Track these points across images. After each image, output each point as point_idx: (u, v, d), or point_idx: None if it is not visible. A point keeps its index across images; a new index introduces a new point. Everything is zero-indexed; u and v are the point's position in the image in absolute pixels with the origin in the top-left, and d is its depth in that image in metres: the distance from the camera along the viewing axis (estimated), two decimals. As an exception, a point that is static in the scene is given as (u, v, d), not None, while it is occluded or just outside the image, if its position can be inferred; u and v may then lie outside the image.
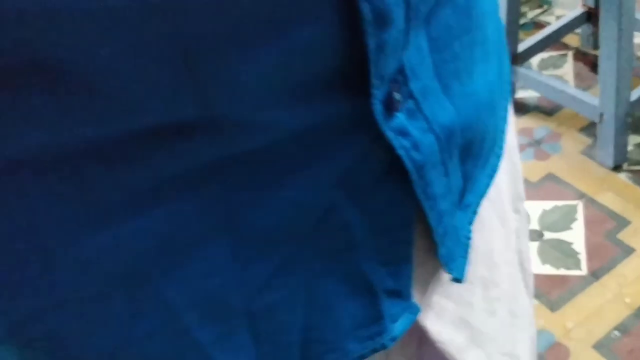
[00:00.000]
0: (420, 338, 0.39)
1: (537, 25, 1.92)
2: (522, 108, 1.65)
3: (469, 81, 0.31)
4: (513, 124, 0.44)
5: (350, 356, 0.33)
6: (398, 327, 0.33)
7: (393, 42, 0.24)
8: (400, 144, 0.26)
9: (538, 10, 2.00)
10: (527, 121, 1.62)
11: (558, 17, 1.90)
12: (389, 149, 0.26)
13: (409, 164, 0.27)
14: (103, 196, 0.24)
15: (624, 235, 1.31)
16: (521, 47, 1.58)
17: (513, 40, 1.55)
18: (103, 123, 0.22)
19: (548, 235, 1.35)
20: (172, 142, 0.23)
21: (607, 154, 1.43)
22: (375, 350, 0.33)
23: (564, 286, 1.25)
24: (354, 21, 0.22)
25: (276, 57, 0.22)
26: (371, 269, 0.31)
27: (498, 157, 0.38)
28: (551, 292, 1.24)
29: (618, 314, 1.18)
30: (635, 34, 1.61)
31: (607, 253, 1.29)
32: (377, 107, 0.25)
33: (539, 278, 1.27)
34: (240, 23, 0.21)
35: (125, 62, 0.20)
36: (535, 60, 1.78)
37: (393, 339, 0.33)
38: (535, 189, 1.45)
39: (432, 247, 0.33)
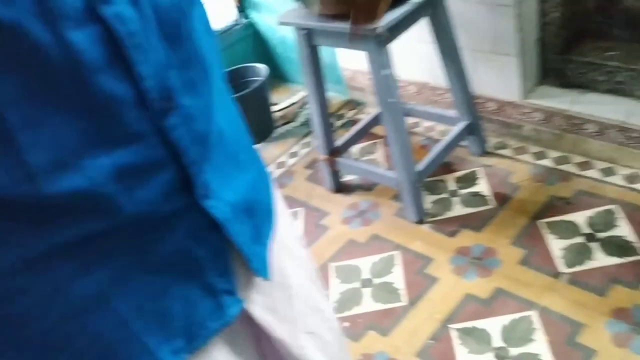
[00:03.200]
0: (259, 337, 0.59)
1: (355, 123, 2.27)
2: (349, 189, 2.02)
3: (239, 179, 0.52)
4: (284, 208, 0.67)
5: (212, 330, 0.51)
6: (233, 311, 0.53)
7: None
8: (215, 214, 0.47)
9: (354, 111, 2.40)
10: (354, 198, 1.98)
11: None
12: (209, 216, 0.47)
13: (220, 222, 0.48)
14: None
15: (430, 269, 1.64)
16: (339, 142, 1.94)
17: (329, 139, 1.89)
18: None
19: (376, 280, 1.66)
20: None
21: (412, 213, 1.79)
22: (224, 325, 0.52)
23: (392, 315, 1.54)
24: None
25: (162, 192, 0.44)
26: (214, 280, 0.51)
27: (272, 217, 0.59)
28: (382, 322, 1.53)
29: (431, 327, 1.48)
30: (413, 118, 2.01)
31: (419, 285, 1.60)
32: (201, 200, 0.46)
33: (373, 314, 1.56)
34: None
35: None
36: (355, 149, 2.16)
37: (233, 317, 0.53)
38: (365, 247, 1.77)
39: (246, 263, 0.53)
